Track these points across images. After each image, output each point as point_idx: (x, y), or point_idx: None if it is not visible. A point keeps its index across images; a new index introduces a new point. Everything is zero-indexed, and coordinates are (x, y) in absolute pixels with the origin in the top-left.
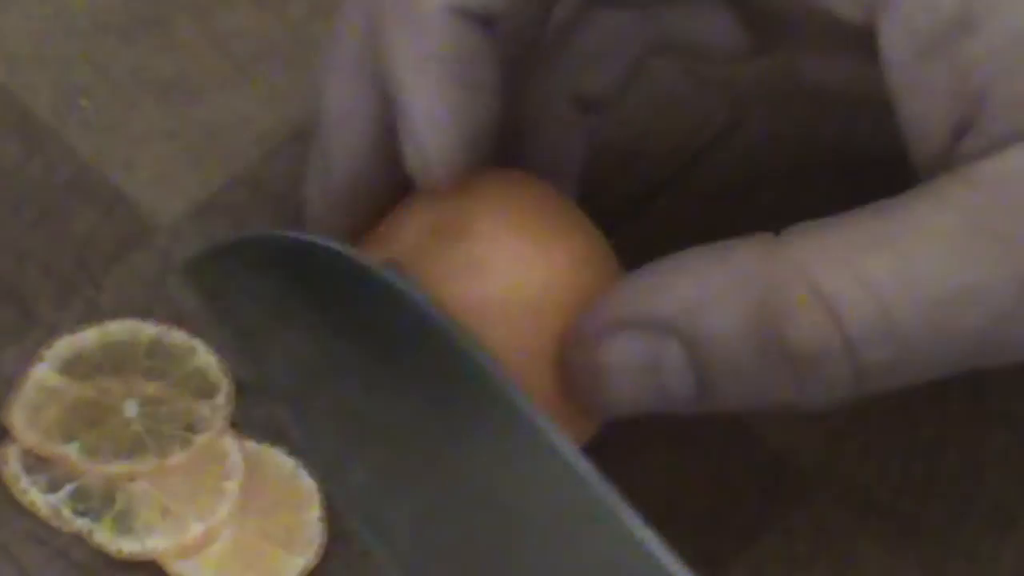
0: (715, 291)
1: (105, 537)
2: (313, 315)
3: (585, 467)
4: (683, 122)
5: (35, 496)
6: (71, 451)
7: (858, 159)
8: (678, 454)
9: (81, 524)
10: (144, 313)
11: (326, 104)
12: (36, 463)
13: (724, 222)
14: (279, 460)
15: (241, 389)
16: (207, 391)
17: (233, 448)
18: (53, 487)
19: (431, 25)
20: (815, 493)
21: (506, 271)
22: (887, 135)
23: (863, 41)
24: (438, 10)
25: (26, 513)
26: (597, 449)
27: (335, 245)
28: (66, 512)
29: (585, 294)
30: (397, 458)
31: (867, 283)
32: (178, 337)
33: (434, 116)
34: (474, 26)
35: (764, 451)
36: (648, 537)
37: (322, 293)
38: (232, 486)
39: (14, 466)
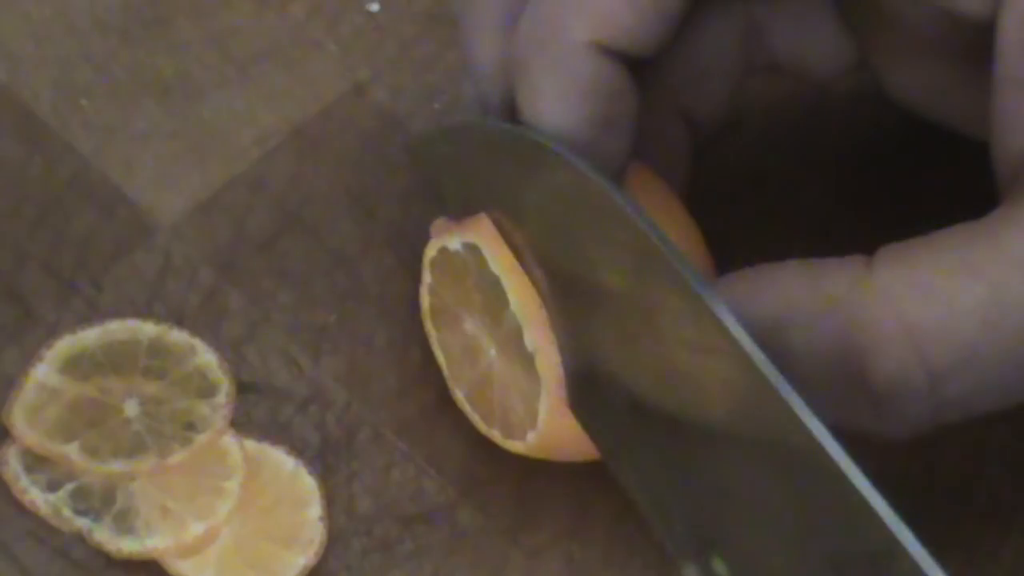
0: (803, 313)
1: (105, 536)
2: (525, 199)
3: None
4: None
5: (35, 495)
6: (71, 451)
7: (858, 159)
8: None
9: (81, 523)
10: (144, 313)
11: (474, 58)
12: (36, 463)
13: (724, 222)
14: (279, 460)
15: (241, 389)
16: (207, 391)
17: (233, 448)
18: (53, 487)
19: (573, 59)
20: None
21: None
22: (888, 135)
23: (956, 46)
24: (582, 45)
25: (26, 512)
26: None
27: (552, 144)
28: (66, 511)
29: None
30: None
31: (955, 315)
32: (178, 337)
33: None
34: (616, 63)
35: None
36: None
37: (534, 181)
38: (232, 486)
39: (14, 466)
